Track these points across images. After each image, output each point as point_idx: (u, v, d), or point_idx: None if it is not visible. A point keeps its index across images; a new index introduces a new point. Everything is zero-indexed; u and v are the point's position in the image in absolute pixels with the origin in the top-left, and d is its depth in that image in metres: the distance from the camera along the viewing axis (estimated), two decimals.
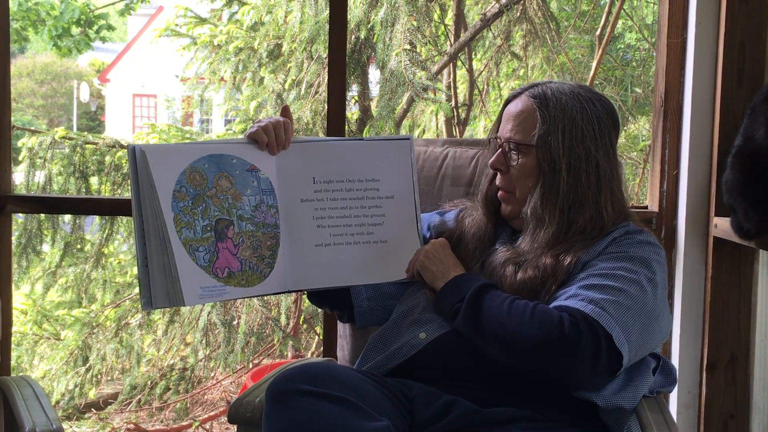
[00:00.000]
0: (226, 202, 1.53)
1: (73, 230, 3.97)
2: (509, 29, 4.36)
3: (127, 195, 3.69)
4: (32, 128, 4.71)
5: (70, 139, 3.87)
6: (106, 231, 3.95)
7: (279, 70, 4.09)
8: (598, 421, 1.45)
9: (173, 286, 1.46)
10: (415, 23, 3.73)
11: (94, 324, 4.02)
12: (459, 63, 4.56)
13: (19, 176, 3.94)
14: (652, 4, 5.13)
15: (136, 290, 4.01)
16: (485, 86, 4.72)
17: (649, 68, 5.04)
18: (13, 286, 2.51)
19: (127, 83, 19.10)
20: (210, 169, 1.53)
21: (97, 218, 4.02)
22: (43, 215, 3.84)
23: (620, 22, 5.08)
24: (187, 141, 4.05)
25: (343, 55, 2.25)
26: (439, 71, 4.36)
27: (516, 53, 4.49)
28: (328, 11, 3.21)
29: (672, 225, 2.24)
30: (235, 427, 1.62)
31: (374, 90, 4.22)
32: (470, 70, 4.61)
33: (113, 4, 8.20)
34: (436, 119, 4.49)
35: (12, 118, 2.37)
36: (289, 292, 1.63)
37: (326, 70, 2.60)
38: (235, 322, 3.92)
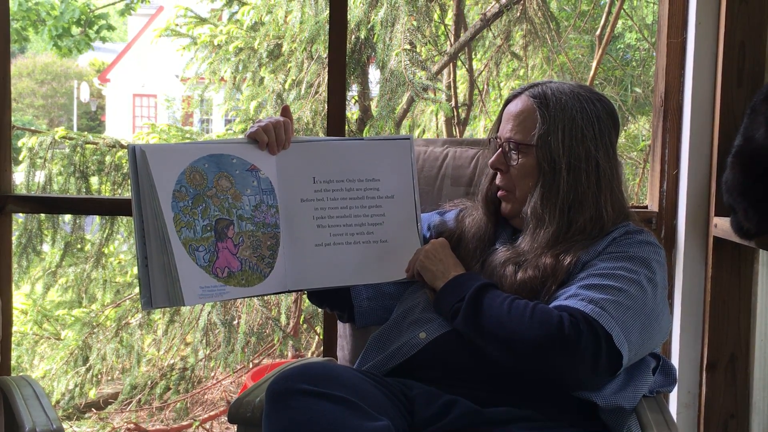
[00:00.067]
0: (226, 201, 1.53)
1: (74, 230, 3.97)
2: (509, 29, 4.36)
3: (127, 195, 3.69)
4: (32, 128, 4.72)
5: (71, 139, 3.87)
6: (107, 231, 3.95)
7: (279, 70, 4.09)
8: (598, 420, 1.45)
9: (173, 286, 1.46)
10: (415, 23, 3.73)
11: (94, 324, 4.02)
12: (459, 63, 4.57)
13: (19, 176, 3.94)
14: (652, 4, 5.13)
15: (137, 290, 4.01)
16: (485, 86, 4.72)
17: (649, 68, 5.04)
18: (14, 286, 2.51)
19: (127, 83, 19.10)
20: (210, 168, 1.53)
21: (97, 218, 4.02)
22: (43, 215, 3.84)
23: (620, 21, 5.08)
24: (187, 141, 4.05)
25: (343, 55, 2.25)
26: (439, 71, 4.36)
27: (516, 53, 4.49)
28: (328, 11, 3.21)
29: (672, 225, 2.24)
30: (235, 426, 1.62)
31: (374, 90, 4.22)
32: (470, 70, 4.61)
33: (113, 4, 8.20)
34: (436, 119, 4.49)
35: (12, 118, 2.37)
36: (289, 291, 1.63)
37: (326, 70, 2.60)
38: (235, 322, 3.92)
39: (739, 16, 2.08)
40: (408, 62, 3.65)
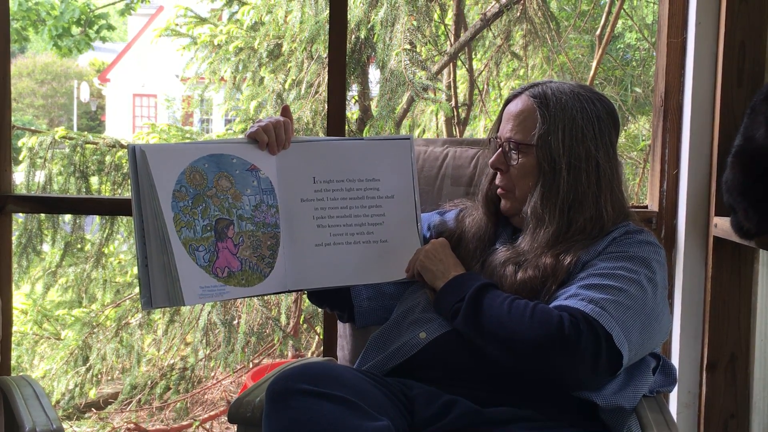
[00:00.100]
0: (226, 201, 1.53)
1: (74, 230, 3.97)
2: (509, 29, 4.36)
3: (127, 195, 3.69)
4: (32, 128, 4.71)
5: (71, 138, 3.87)
6: (107, 231, 3.95)
7: (279, 70, 4.09)
8: (598, 420, 1.45)
9: (173, 286, 1.46)
10: (415, 23, 3.73)
11: (94, 324, 4.02)
12: (459, 63, 4.57)
13: (19, 176, 3.94)
14: (652, 4, 5.13)
15: (137, 290, 4.01)
16: (485, 86, 4.72)
17: (649, 68, 5.04)
18: (14, 286, 2.51)
19: (127, 83, 19.10)
20: (210, 168, 1.53)
21: (97, 218, 4.02)
22: (43, 215, 3.84)
23: (620, 21, 5.08)
24: (187, 141, 4.05)
25: (343, 55, 2.25)
26: (439, 71, 4.36)
27: (516, 53, 4.49)
28: (328, 11, 3.21)
29: (672, 225, 2.24)
30: (236, 426, 1.62)
31: (374, 90, 4.22)
32: (470, 70, 4.61)
33: (113, 3, 8.20)
34: (436, 119, 4.49)
35: (12, 118, 2.37)
36: (289, 291, 1.63)
37: (326, 69, 2.60)
38: (235, 322, 3.92)
39: (739, 15, 2.08)
40: (408, 62, 3.65)
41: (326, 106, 2.30)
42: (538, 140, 1.54)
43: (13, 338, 2.67)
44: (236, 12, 4.44)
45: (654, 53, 4.21)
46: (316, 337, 4.35)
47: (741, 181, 1.84)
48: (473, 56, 4.65)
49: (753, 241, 1.89)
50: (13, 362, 2.84)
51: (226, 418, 1.92)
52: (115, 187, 3.87)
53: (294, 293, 3.37)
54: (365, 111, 4.13)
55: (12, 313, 2.41)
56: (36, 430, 1.58)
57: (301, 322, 4.19)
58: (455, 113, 4.43)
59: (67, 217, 3.94)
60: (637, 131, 5.08)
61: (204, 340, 3.91)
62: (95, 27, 8.36)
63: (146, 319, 4.01)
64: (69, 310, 4.14)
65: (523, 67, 4.59)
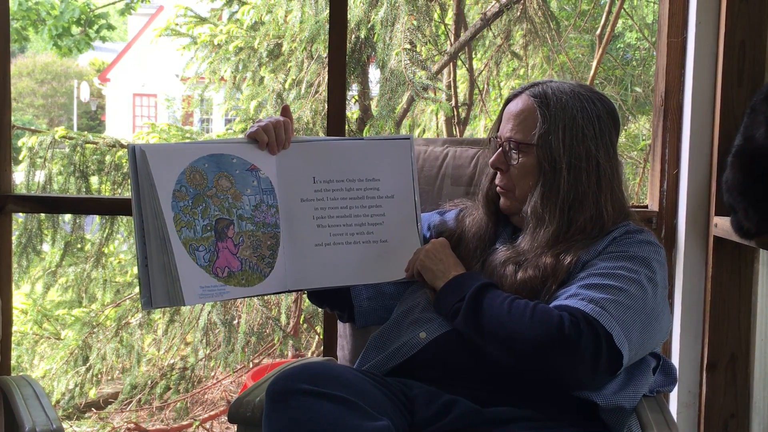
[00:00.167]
0: (226, 201, 1.53)
1: (74, 230, 3.97)
2: (509, 29, 4.37)
3: (127, 194, 3.69)
4: (32, 128, 4.71)
5: (71, 138, 3.87)
6: (106, 230, 3.95)
7: (279, 70, 4.09)
8: (599, 420, 1.45)
9: (173, 286, 1.46)
10: (415, 23, 3.73)
11: (94, 323, 4.02)
12: (459, 62, 4.56)
13: (19, 176, 3.94)
14: (652, 4, 5.13)
15: (137, 290, 4.01)
16: (485, 86, 4.72)
17: (649, 67, 5.04)
18: (14, 286, 2.50)
19: (127, 83, 19.10)
20: (210, 168, 1.53)
21: (97, 218, 4.02)
22: (43, 215, 3.84)
23: (620, 21, 5.08)
24: (188, 140, 4.05)
25: (343, 55, 2.25)
26: (440, 71, 4.36)
27: (516, 53, 4.49)
28: (328, 11, 3.21)
29: (672, 224, 2.24)
30: (236, 426, 1.62)
31: (374, 89, 4.22)
32: (470, 70, 4.61)
33: (113, 3, 8.20)
34: (437, 119, 4.49)
35: (12, 118, 2.37)
36: (289, 291, 1.63)
37: (326, 69, 2.60)
38: (235, 322, 3.92)
39: (739, 15, 2.08)
40: (408, 62, 3.65)
41: (326, 106, 2.30)
42: (538, 140, 1.54)
43: (13, 338, 2.67)
44: (236, 12, 4.44)
45: (654, 53, 4.21)
46: (316, 336, 4.35)
47: (741, 181, 1.84)
48: (473, 56, 4.65)
49: (753, 240, 1.89)
50: (13, 362, 2.84)
51: (226, 418, 1.92)
52: (115, 186, 3.87)
53: (294, 293, 3.37)
54: (365, 111, 4.13)
55: (12, 313, 2.41)
56: (36, 429, 1.58)
57: (301, 322, 4.19)
58: (455, 113, 4.43)
59: (67, 216, 3.94)
60: (638, 131, 5.08)
61: (204, 340, 3.91)
62: (95, 27, 8.35)
63: (146, 318, 4.01)
64: (69, 310, 4.14)
65: (523, 67, 4.60)
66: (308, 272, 1.60)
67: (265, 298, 3.94)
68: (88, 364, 3.95)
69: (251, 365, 4.13)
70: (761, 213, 1.81)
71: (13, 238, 3.42)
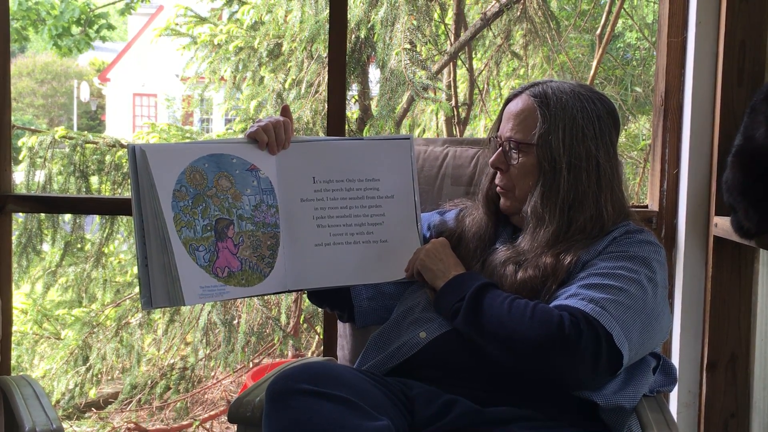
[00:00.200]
0: (226, 201, 1.53)
1: (74, 230, 3.97)
2: (509, 28, 4.37)
3: (128, 194, 3.69)
4: (32, 128, 4.71)
5: (71, 138, 3.87)
6: (107, 230, 3.95)
7: (279, 70, 4.09)
8: (599, 420, 1.45)
9: (173, 286, 1.46)
10: (415, 22, 3.73)
11: (94, 323, 4.02)
12: (459, 62, 4.56)
13: (19, 176, 3.94)
14: (652, 3, 5.12)
15: (137, 290, 4.01)
16: (485, 85, 4.72)
17: (649, 67, 5.04)
18: (14, 286, 2.51)
19: (127, 82, 19.10)
20: (210, 168, 1.52)
21: (97, 218, 4.02)
22: (43, 215, 3.84)
23: (620, 21, 5.08)
24: (188, 140, 4.05)
25: (343, 55, 2.25)
26: (440, 70, 4.36)
27: (516, 52, 4.49)
28: (328, 10, 3.21)
29: (672, 224, 2.24)
30: (236, 426, 1.61)
31: (374, 89, 4.22)
32: (470, 70, 4.61)
33: (113, 3, 8.20)
34: (437, 118, 4.49)
35: (12, 118, 2.37)
36: (289, 291, 1.63)
37: (326, 69, 2.60)
38: (235, 322, 3.92)
39: (739, 15, 2.08)
40: (408, 61, 3.65)
41: (326, 106, 2.30)
42: (538, 139, 1.54)
43: (13, 338, 2.67)
44: (236, 11, 4.44)
45: (654, 53, 4.21)
46: (316, 336, 4.35)
47: (741, 181, 1.84)
48: (473, 56, 4.65)
49: (753, 240, 1.89)
50: (13, 362, 2.84)
51: (226, 418, 1.92)
52: (115, 186, 3.87)
53: (294, 293, 3.37)
54: (365, 110, 4.13)
55: (12, 313, 2.41)
56: (36, 429, 1.58)
57: (301, 322, 4.19)
58: (455, 113, 4.43)
59: (67, 216, 3.94)
60: (638, 131, 5.08)
61: (204, 340, 3.91)
62: (95, 26, 8.36)
63: (146, 318, 4.01)
64: (69, 310, 4.14)
65: (523, 67, 4.59)
66: (308, 272, 1.60)
67: (265, 298, 3.94)
68: (88, 364, 3.95)
69: (251, 365, 4.13)
70: (761, 213, 1.81)
71: (13, 237, 3.42)
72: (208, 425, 4.13)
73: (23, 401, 1.73)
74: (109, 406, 4.21)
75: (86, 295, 4.10)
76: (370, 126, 3.94)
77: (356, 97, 4.15)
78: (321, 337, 3.83)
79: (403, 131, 4.30)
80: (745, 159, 1.85)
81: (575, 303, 1.41)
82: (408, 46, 3.68)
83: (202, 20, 4.50)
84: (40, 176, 3.81)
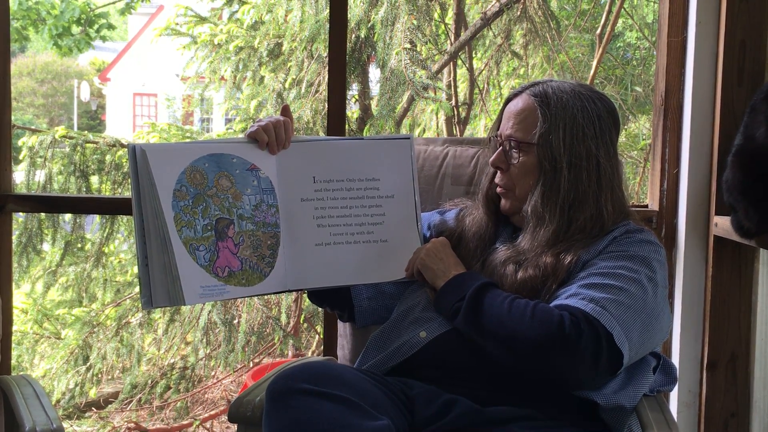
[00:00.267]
0: (227, 201, 1.53)
1: (74, 229, 3.97)
2: (509, 28, 4.37)
3: (128, 194, 3.69)
4: (33, 127, 4.72)
5: (71, 138, 3.87)
6: (107, 230, 3.95)
7: (279, 69, 4.09)
8: (599, 420, 1.45)
9: (173, 285, 1.46)
10: (415, 22, 3.73)
11: (94, 323, 4.02)
12: (459, 62, 4.56)
13: (19, 175, 3.94)
14: (652, 3, 5.12)
15: (137, 289, 4.00)
16: (485, 85, 4.72)
17: (649, 67, 5.04)
18: (14, 285, 2.51)
19: (127, 82, 19.10)
20: (210, 168, 1.53)
21: (97, 217, 4.02)
22: (43, 214, 3.84)
23: (620, 20, 5.08)
24: (188, 140, 4.05)
25: (344, 54, 2.25)
26: (440, 70, 4.37)
27: (516, 52, 4.49)
28: (328, 10, 3.21)
29: (672, 224, 2.24)
30: (236, 426, 1.62)
31: (374, 89, 4.22)
32: (470, 69, 4.61)
33: (114, 3, 8.20)
34: (437, 118, 4.49)
35: (12, 117, 2.37)
36: (289, 291, 1.63)
37: (326, 69, 2.60)
38: (235, 321, 3.92)
39: (739, 14, 2.08)
40: (408, 61, 3.65)
41: (326, 106, 2.30)
42: (539, 139, 1.54)
43: (13, 337, 2.67)
44: (236, 11, 4.44)
45: (654, 52, 4.21)
46: (317, 336, 4.35)
47: (741, 180, 1.84)
48: (473, 55, 4.65)
49: (753, 240, 1.89)
50: (13, 361, 2.84)
51: (227, 418, 1.92)
52: (116, 186, 3.87)
53: (294, 293, 3.37)
54: (365, 110, 4.13)
55: (12, 313, 2.41)
56: (36, 429, 1.58)
57: (301, 322, 4.19)
58: (455, 112, 4.43)
59: (68, 216, 3.94)
60: (638, 130, 5.08)
61: (204, 340, 3.91)
62: (95, 26, 8.35)
63: (146, 318, 4.01)
64: (69, 310, 4.14)
65: (523, 66, 4.60)
66: (308, 272, 1.60)
67: (266, 297, 3.94)
68: (88, 364, 3.95)
69: (251, 365, 4.13)
70: (761, 212, 1.81)
71: (14, 237, 3.42)
72: (208, 425, 4.13)
73: (23, 401, 1.73)
74: (110, 406, 4.21)
75: (86, 294, 4.10)
76: (370, 126, 3.94)
77: (356, 97, 4.15)
78: (321, 336, 3.83)
79: (404, 131, 4.30)
80: (745, 159, 1.85)
81: (575, 303, 1.41)
82: (408, 45, 3.68)
83: (203, 20, 4.50)
84: (40, 176, 3.81)
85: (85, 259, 4.01)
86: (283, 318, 3.97)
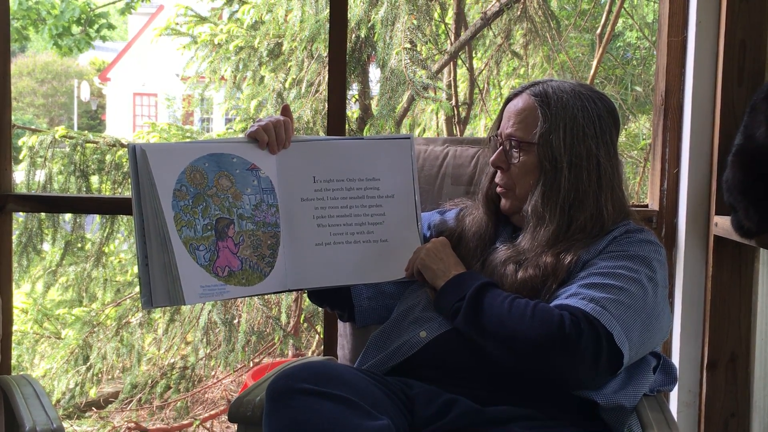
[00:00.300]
0: (227, 201, 1.53)
1: (74, 229, 3.97)
2: (509, 28, 4.37)
3: (128, 194, 3.69)
4: (33, 127, 4.71)
5: (71, 138, 3.87)
6: (107, 230, 3.95)
7: (279, 69, 4.09)
8: (599, 420, 1.45)
9: (174, 285, 1.46)
10: (415, 22, 3.73)
11: (94, 323, 4.02)
12: (459, 62, 4.56)
13: (19, 175, 3.94)
14: (652, 3, 5.12)
15: (137, 289, 4.00)
16: (486, 85, 4.72)
17: (649, 67, 5.04)
18: (14, 285, 2.51)
19: (127, 82, 19.11)
20: (210, 168, 1.53)
21: (97, 217, 4.02)
22: (43, 214, 3.84)
23: (620, 20, 5.08)
24: (188, 140, 4.05)
25: (344, 54, 2.25)
26: (440, 70, 4.36)
27: (516, 52, 4.49)
28: (328, 10, 3.21)
29: (672, 224, 2.24)
30: (236, 425, 1.62)
31: (375, 89, 4.22)
32: (470, 69, 4.61)
33: (114, 2, 8.20)
34: (437, 118, 4.49)
35: (12, 117, 2.37)
36: (290, 291, 1.63)
37: (326, 68, 2.60)
38: (235, 321, 3.92)
39: (739, 14, 2.08)
40: (408, 61, 3.65)
41: (326, 105, 2.30)
42: (539, 138, 1.54)
43: (13, 337, 2.68)
44: (236, 11, 4.44)
45: (654, 52, 4.21)
46: (317, 336, 4.35)
47: (741, 180, 1.84)
48: (473, 55, 4.65)
49: (753, 240, 1.89)
50: (13, 361, 2.84)
51: (227, 417, 1.92)
52: (116, 186, 3.87)
53: (294, 292, 3.37)
54: (365, 110, 4.13)
55: (12, 312, 2.41)
56: (36, 429, 1.58)
57: (301, 321, 4.19)
58: (455, 112, 4.43)
59: (68, 216, 3.94)
60: (638, 130, 5.08)
61: (204, 339, 3.91)
62: (95, 26, 8.36)
63: (147, 318, 4.02)
64: (69, 309, 4.14)
65: (523, 66, 4.60)
66: (308, 272, 1.60)
67: (266, 297, 3.94)
68: (88, 364, 3.95)
69: (251, 364, 4.14)
70: (761, 212, 1.81)
71: (14, 237, 3.42)
72: (208, 425, 4.13)
73: (23, 400, 1.73)
74: (110, 406, 4.21)
75: (86, 294, 4.10)
76: (370, 125, 3.94)
77: (356, 97, 4.15)
78: (321, 336, 3.83)
79: (404, 131, 4.30)
80: (746, 158, 1.85)
81: (576, 302, 1.41)
82: (408, 45, 3.68)
83: (203, 20, 4.50)
84: (40, 176, 3.81)
85: (85, 259, 4.01)
86: (283, 318, 3.97)
